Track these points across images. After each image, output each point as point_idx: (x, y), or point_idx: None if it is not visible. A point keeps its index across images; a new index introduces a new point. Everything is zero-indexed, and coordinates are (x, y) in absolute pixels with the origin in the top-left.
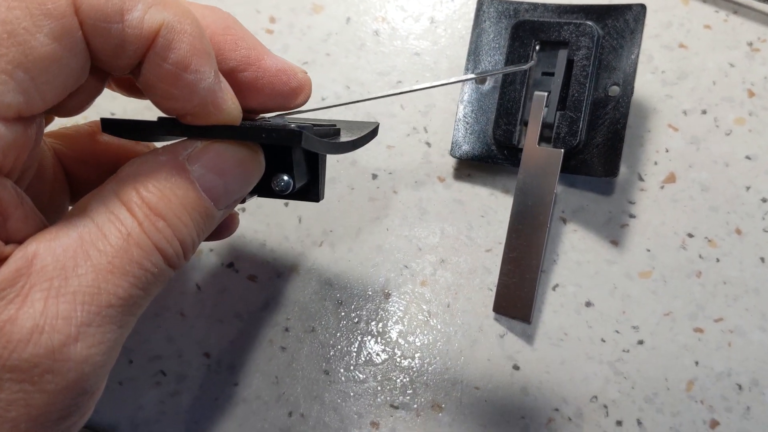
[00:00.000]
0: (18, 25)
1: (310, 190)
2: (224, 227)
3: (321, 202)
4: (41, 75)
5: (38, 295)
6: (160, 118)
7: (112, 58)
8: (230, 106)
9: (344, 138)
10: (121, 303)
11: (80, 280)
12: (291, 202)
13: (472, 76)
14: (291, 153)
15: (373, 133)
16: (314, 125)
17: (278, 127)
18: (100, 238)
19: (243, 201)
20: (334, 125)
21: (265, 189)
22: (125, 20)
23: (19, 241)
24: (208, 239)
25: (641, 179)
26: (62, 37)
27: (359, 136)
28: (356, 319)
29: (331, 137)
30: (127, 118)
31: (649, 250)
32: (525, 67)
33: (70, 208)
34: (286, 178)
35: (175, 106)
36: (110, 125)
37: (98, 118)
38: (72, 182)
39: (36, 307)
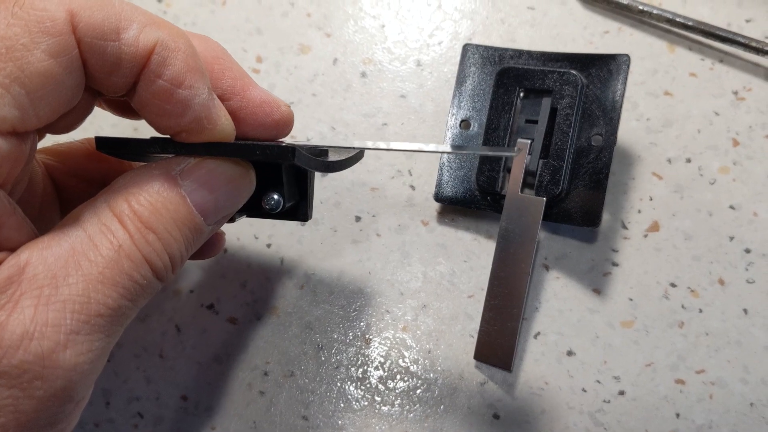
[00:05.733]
0: (16, 41)
1: (299, 209)
2: (211, 245)
3: (303, 243)
4: (37, 90)
5: (28, 302)
6: (153, 137)
7: (108, 75)
8: (224, 122)
9: (333, 158)
10: (110, 313)
11: (70, 289)
12: (273, 242)
13: (448, 149)
14: (281, 171)
15: (360, 155)
16: (304, 145)
17: (271, 145)
18: (91, 249)
19: (232, 220)
20: (322, 147)
21: (254, 208)
22: (121, 38)
23: (11, 249)
24: (194, 258)
25: (625, 227)
26: (59, 54)
27: (347, 156)
28: (336, 364)
29: (322, 157)
30: (121, 137)
31: (631, 299)
32: (508, 153)
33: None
34: (276, 196)
35: (170, 123)
36: (104, 144)
37: (93, 136)
38: (62, 196)
39: (26, 313)
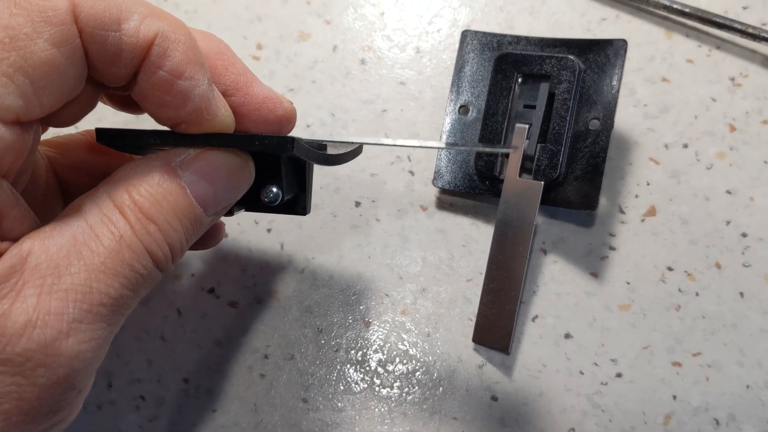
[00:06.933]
0: (19, 30)
1: (297, 203)
2: (211, 236)
3: (303, 228)
4: (40, 80)
5: (31, 291)
6: (149, 131)
7: (109, 66)
8: (224, 114)
9: (332, 152)
10: (111, 302)
11: (73, 278)
12: (273, 227)
13: (441, 145)
14: (280, 164)
15: (359, 150)
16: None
17: (270, 135)
18: (92, 239)
19: (230, 213)
20: (321, 141)
21: (253, 202)
22: (122, 29)
23: (14, 240)
24: (194, 248)
25: (622, 212)
26: (61, 43)
27: (346, 150)
28: (336, 348)
29: (322, 150)
30: (121, 128)
31: (628, 283)
32: (505, 150)
33: None
34: (275, 189)
35: (170, 114)
36: (104, 135)
37: (93, 128)
38: (64, 189)
39: (29, 302)
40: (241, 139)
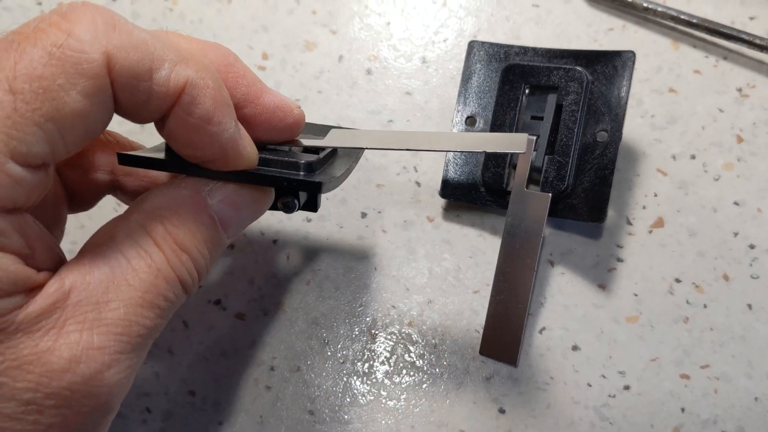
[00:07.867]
0: (53, 81)
1: (310, 203)
2: None
3: (309, 240)
4: (69, 128)
5: (73, 327)
6: (174, 161)
7: (138, 111)
8: (249, 152)
9: (342, 163)
10: (147, 332)
11: (113, 313)
12: (279, 238)
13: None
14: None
15: (360, 153)
16: (318, 153)
17: (298, 179)
18: (129, 272)
19: None
20: (329, 148)
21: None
22: (153, 78)
23: (44, 269)
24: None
25: (629, 223)
26: (94, 95)
27: (355, 158)
28: (342, 359)
29: (331, 160)
30: (146, 156)
31: (636, 295)
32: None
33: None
34: (292, 199)
35: (197, 155)
36: (127, 160)
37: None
38: (68, 188)
39: (72, 338)
40: (270, 179)
